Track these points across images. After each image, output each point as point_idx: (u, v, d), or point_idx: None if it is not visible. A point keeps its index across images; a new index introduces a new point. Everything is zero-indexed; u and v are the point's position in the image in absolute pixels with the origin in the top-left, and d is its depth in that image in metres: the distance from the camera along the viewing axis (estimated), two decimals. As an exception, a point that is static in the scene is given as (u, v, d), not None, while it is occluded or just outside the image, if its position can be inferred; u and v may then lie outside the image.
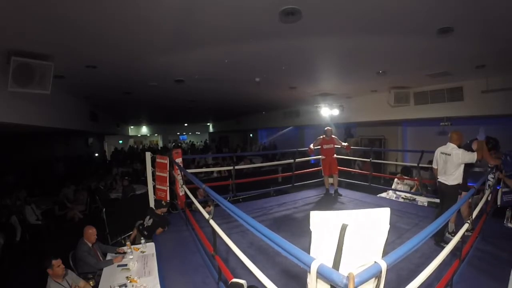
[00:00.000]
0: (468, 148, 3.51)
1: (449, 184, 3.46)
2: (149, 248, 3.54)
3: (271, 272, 2.77)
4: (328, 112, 8.58)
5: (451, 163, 3.42)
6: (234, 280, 1.83)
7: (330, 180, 6.09)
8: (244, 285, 1.78)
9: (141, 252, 3.45)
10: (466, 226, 2.35)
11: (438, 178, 3.65)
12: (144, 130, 22.40)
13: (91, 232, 3.49)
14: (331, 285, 1.14)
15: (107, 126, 12.89)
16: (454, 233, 3.45)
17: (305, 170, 6.54)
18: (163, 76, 5.41)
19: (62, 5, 2.48)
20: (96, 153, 16.63)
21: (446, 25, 3.08)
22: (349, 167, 7.06)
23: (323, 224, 1.18)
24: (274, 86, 6.75)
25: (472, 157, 3.35)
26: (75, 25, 2.89)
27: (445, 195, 3.57)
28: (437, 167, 3.65)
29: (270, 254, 3.16)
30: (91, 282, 3.16)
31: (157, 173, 4.70)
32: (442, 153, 3.57)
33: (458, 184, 3.44)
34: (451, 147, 3.47)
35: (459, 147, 3.45)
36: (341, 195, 5.87)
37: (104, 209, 5.52)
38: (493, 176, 3.86)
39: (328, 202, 5.60)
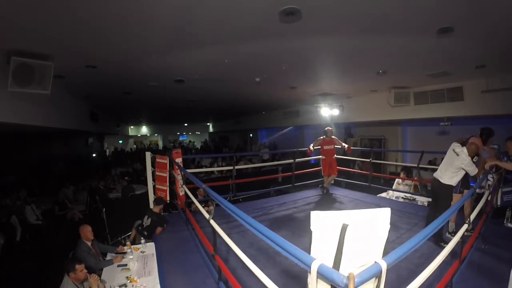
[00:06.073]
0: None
1: (442, 182, 3.42)
2: (149, 248, 3.54)
3: (271, 272, 2.76)
4: (328, 112, 8.58)
5: (456, 161, 3.33)
6: None
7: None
8: None
9: (141, 252, 3.45)
10: (465, 226, 2.35)
11: (434, 174, 3.59)
12: (144, 130, 22.41)
13: (85, 230, 3.48)
14: (331, 285, 1.14)
15: (107, 126, 12.90)
16: (454, 233, 3.44)
17: (305, 170, 6.54)
18: (163, 76, 5.41)
19: (62, 5, 2.48)
20: (96, 153, 16.62)
21: (446, 25, 3.08)
22: (349, 167, 7.06)
23: (324, 224, 1.19)
24: (274, 86, 6.76)
25: (472, 170, 3.27)
26: (75, 25, 2.89)
27: (438, 194, 3.51)
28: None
29: (270, 254, 3.15)
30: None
31: (157, 173, 4.70)
32: (453, 149, 3.43)
33: (451, 186, 3.38)
34: (462, 151, 3.32)
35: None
36: (331, 194, 5.95)
37: (104, 209, 5.52)
38: (492, 176, 3.86)
39: (328, 202, 5.59)
